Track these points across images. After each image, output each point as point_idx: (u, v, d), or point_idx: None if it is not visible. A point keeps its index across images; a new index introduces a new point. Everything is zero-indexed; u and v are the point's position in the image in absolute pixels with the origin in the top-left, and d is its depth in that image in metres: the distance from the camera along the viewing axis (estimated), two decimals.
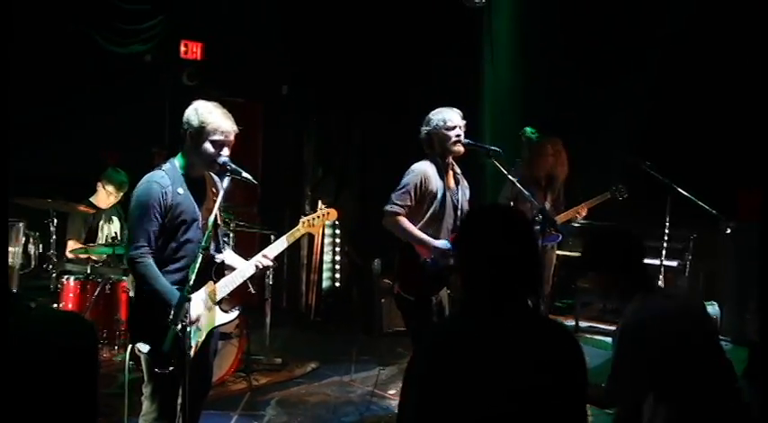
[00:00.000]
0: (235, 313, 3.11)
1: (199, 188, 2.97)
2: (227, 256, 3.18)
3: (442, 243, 3.66)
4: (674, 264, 5.84)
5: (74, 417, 1.40)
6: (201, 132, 2.83)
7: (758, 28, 5.12)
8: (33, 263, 4.33)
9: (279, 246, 3.23)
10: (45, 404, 1.35)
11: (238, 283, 3.10)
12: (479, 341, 1.65)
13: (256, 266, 3.10)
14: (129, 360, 4.38)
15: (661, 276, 5.34)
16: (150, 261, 2.80)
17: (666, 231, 5.15)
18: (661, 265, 5.34)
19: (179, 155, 2.95)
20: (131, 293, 3.05)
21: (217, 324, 3.02)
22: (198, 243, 2.85)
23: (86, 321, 2.30)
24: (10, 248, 3.16)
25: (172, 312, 2.57)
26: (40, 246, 4.39)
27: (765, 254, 2.43)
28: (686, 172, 5.00)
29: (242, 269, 3.11)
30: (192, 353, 2.82)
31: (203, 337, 2.96)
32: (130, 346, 2.93)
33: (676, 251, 5.84)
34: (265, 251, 3.15)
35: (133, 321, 2.94)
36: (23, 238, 4.01)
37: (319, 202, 3.78)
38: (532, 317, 1.76)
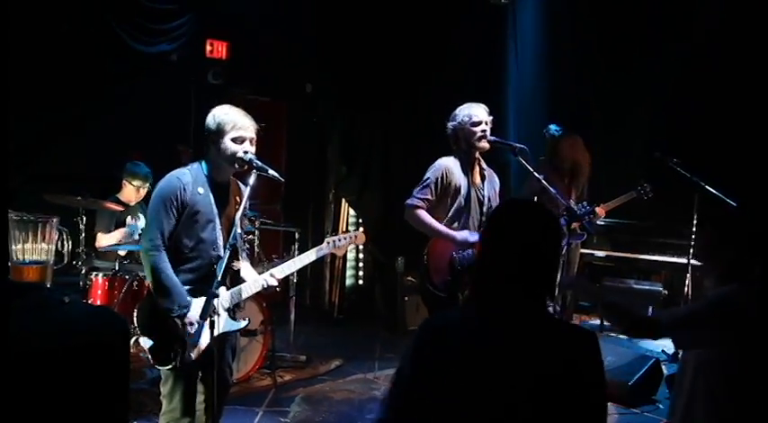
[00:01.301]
0: (243, 323, 3.07)
1: (222, 193, 3.00)
2: (243, 266, 3.16)
3: (463, 234, 3.66)
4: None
5: (107, 408, 1.43)
6: (220, 131, 2.87)
7: None
8: (66, 259, 4.39)
9: (293, 265, 3.21)
10: (79, 396, 1.38)
11: (244, 298, 3.10)
12: (470, 335, 1.64)
13: (263, 286, 3.08)
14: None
15: (688, 275, 5.28)
16: (162, 255, 2.82)
17: (694, 229, 5.08)
18: (689, 263, 5.29)
19: (204, 160, 2.99)
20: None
21: (223, 330, 2.96)
22: (213, 245, 2.90)
23: (118, 315, 2.35)
24: (44, 245, 3.20)
25: (175, 309, 2.60)
26: (70, 243, 4.45)
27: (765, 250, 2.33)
28: (714, 168, 4.93)
29: (249, 284, 3.08)
30: (194, 354, 2.83)
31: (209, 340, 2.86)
32: (133, 339, 2.94)
33: None
34: (274, 270, 3.11)
35: (140, 316, 2.94)
36: (57, 234, 4.05)
37: (346, 228, 3.70)
38: (543, 316, 1.71)
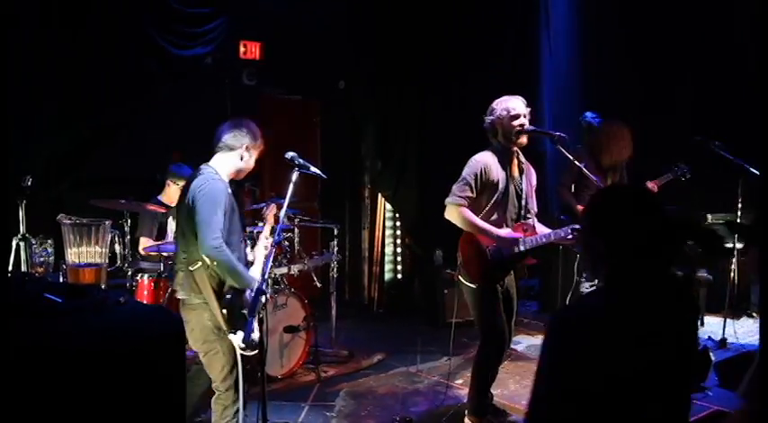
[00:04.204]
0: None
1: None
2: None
3: (506, 231, 3.65)
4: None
5: (168, 402, 1.47)
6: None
7: None
8: (118, 261, 4.49)
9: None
10: (142, 391, 1.42)
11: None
12: (618, 317, 1.69)
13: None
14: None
15: (734, 260, 5.18)
16: (227, 249, 3.01)
17: (739, 214, 4.98)
18: (734, 248, 5.19)
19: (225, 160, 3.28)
20: (180, 294, 3.22)
21: None
22: (239, 236, 3.19)
23: (172, 313, 2.40)
24: (97, 248, 3.28)
25: (250, 303, 2.70)
26: (122, 245, 4.55)
27: (765, 252, 2.24)
28: (758, 150, 4.82)
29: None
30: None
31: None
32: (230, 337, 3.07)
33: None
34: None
35: (229, 314, 3.08)
36: (109, 237, 4.15)
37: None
38: (675, 282, 1.84)
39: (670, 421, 1.74)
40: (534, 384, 1.71)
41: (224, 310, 3.06)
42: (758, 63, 3.99)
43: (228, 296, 3.05)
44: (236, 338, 2.97)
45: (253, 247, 3.39)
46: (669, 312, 1.75)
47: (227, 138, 3.26)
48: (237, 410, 3.15)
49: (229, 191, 3.20)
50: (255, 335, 2.91)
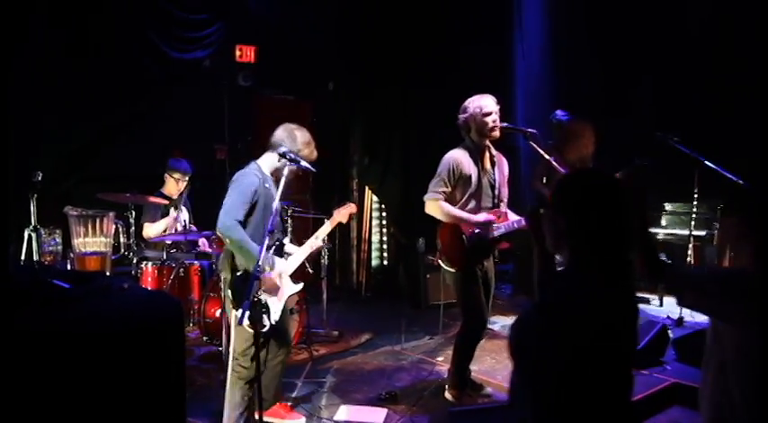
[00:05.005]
0: (300, 285, 3.43)
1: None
2: (286, 241, 3.52)
3: (483, 216, 3.70)
4: (703, 233, 5.74)
5: (168, 380, 1.49)
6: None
7: None
8: (122, 250, 4.49)
9: (325, 229, 3.60)
10: (144, 370, 1.44)
11: (300, 261, 3.46)
12: (613, 304, 1.68)
13: (311, 247, 3.49)
14: (204, 336, 4.56)
15: (690, 245, 5.25)
16: (241, 228, 3.08)
17: (695, 202, 5.05)
18: (690, 234, 5.26)
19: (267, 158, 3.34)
20: (223, 274, 3.28)
21: (290, 293, 3.38)
22: (265, 233, 3.10)
23: (173, 297, 2.40)
24: (102, 238, 3.29)
25: (259, 270, 2.78)
26: (126, 235, 4.55)
27: (765, 249, 2.27)
28: (714, 144, 4.88)
29: (300, 250, 3.47)
30: (277, 318, 3.19)
31: (283, 305, 3.31)
32: (234, 313, 3.09)
33: (703, 221, 5.73)
34: (318, 233, 3.53)
35: (234, 291, 3.11)
36: (113, 228, 4.14)
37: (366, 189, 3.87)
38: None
39: (618, 398, 1.71)
40: (518, 369, 1.71)
41: (230, 289, 3.11)
42: (760, 64, 4.04)
43: (238, 274, 3.09)
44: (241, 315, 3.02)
45: (279, 253, 3.38)
46: (622, 296, 1.71)
47: (273, 138, 3.29)
48: (250, 385, 3.21)
49: (267, 186, 3.22)
50: (276, 313, 3.04)
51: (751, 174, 4.68)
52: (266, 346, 3.33)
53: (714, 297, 2.11)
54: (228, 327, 3.35)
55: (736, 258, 2.41)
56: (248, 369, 3.18)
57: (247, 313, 2.69)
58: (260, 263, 2.73)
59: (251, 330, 2.92)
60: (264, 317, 2.96)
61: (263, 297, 3.11)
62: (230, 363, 3.23)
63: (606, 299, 1.66)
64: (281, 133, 3.28)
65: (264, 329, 3.03)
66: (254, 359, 2.99)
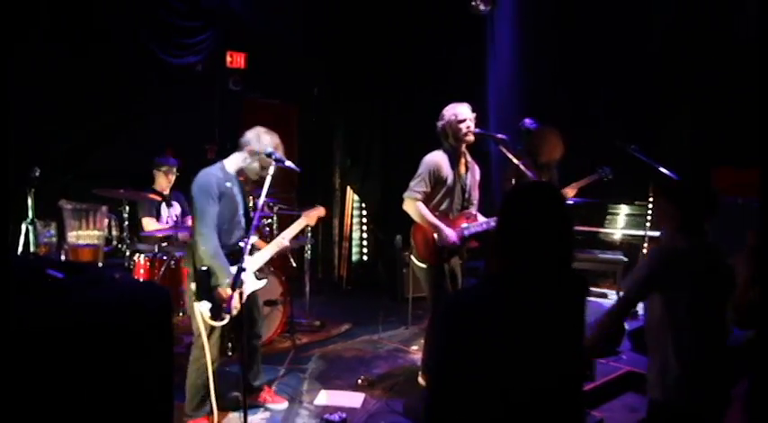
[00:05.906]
0: (264, 281, 3.37)
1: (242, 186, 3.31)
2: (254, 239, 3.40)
3: (450, 233, 3.67)
4: (657, 233, 5.81)
5: (157, 365, 1.46)
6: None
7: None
8: (114, 243, 4.41)
9: (292, 230, 3.50)
10: (134, 355, 1.41)
11: (266, 260, 3.41)
12: (497, 307, 1.56)
13: (278, 245, 3.42)
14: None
15: (645, 244, 5.32)
16: (216, 238, 3.02)
17: (650, 205, 5.11)
18: (645, 234, 5.32)
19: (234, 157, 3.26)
20: (191, 267, 3.19)
21: (253, 289, 3.32)
22: (234, 224, 3.18)
23: (162, 287, 2.36)
24: (95, 231, 3.22)
25: (232, 280, 2.70)
26: (119, 229, 4.48)
27: (765, 247, 2.34)
28: (669, 153, 4.95)
29: (267, 248, 3.41)
30: (233, 313, 3.04)
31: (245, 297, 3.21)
32: (196, 304, 3.06)
33: (657, 222, 5.81)
34: (285, 234, 3.46)
35: (198, 287, 3.05)
36: (106, 221, 4.07)
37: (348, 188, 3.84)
38: (572, 276, 1.67)
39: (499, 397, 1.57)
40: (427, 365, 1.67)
41: (194, 282, 3.05)
42: (759, 67, 4.09)
43: (202, 269, 3.02)
44: (202, 307, 2.99)
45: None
46: (551, 303, 1.60)
47: (242, 138, 3.23)
48: (202, 367, 3.14)
49: (228, 185, 3.15)
50: (237, 303, 2.92)
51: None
52: (227, 336, 3.32)
53: (642, 275, 2.25)
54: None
55: (665, 234, 2.47)
56: (202, 357, 3.13)
57: (208, 307, 2.68)
58: (244, 255, 2.71)
59: (211, 322, 2.93)
60: (223, 312, 2.95)
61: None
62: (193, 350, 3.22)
63: (498, 299, 1.57)
64: (249, 134, 3.21)
65: (222, 323, 3.01)
66: (204, 348, 3.04)
